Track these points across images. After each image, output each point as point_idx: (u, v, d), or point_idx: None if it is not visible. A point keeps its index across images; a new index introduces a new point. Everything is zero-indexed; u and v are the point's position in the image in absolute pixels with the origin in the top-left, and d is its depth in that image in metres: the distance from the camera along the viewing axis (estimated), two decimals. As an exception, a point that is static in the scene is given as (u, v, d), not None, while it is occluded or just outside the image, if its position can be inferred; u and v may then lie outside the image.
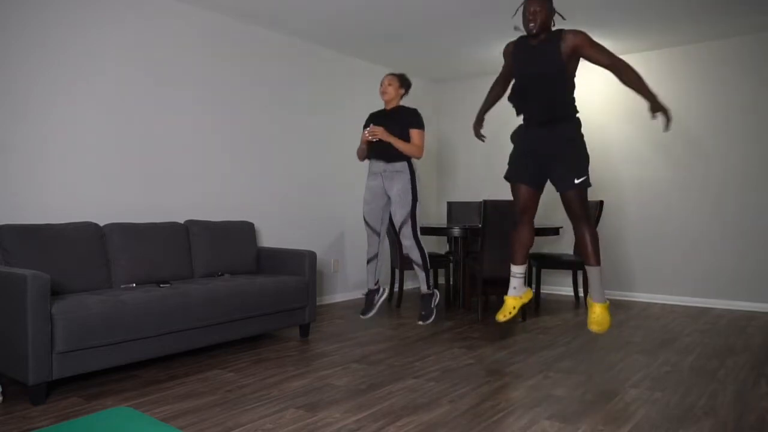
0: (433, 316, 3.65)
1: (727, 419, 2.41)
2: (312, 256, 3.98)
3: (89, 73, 3.63)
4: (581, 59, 2.99)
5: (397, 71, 3.99)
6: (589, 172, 3.02)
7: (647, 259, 5.46)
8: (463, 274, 4.98)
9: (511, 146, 3.26)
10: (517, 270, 3.30)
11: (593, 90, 5.66)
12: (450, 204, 6.07)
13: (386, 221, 3.94)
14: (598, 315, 3.04)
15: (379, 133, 3.71)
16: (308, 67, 5.18)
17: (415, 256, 3.76)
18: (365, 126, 3.97)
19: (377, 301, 4.00)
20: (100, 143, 3.69)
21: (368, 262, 3.99)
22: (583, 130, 3.06)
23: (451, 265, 5.29)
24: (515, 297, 3.34)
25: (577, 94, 3.08)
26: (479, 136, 3.47)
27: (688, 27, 4.78)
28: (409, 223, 3.73)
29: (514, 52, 3.14)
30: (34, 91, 3.39)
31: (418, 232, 3.78)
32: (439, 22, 4.64)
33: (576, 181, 2.97)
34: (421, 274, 3.78)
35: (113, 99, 3.76)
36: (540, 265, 5.15)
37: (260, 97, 4.75)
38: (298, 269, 3.95)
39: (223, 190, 4.44)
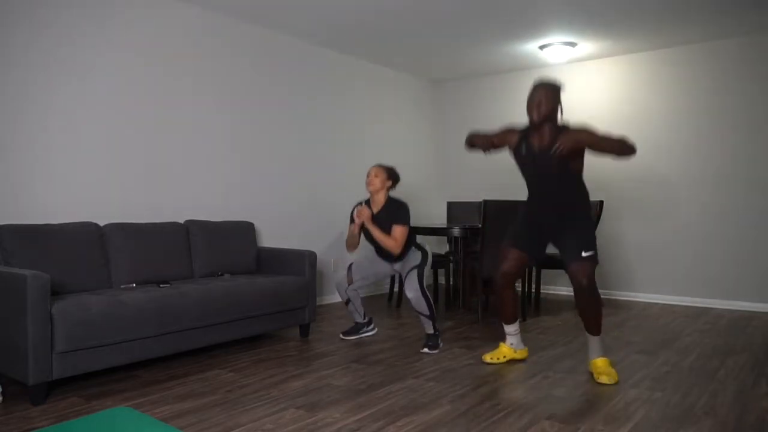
0: (438, 350, 3.58)
1: (727, 419, 2.41)
2: (312, 256, 3.98)
3: (89, 73, 3.63)
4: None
5: (386, 164, 3.80)
6: (596, 247, 3.02)
7: (647, 259, 5.46)
8: (463, 274, 4.98)
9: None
10: (510, 329, 3.29)
11: (594, 89, 5.66)
12: (450, 204, 6.06)
13: (364, 282, 3.81)
14: (603, 367, 2.96)
15: (365, 215, 3.57)
16: (308, 68, 5.18)
17: (422, 308, 3.55)
18: (351, 217, 3.77)
19: (363, 333, 3.91)
20: (100, 143, 3.69)
21: (345, 304, 3.85)
22: (590, 204, 3.11)
23: (451, 265, 5.29)
24: (511, 349, 3.31)
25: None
26: (475, 147, 3.33)
27: (688, 27, 4.78)
28: (415, 273, 3.56)
29: (517, 143, 3.06)
30: (34, 91, 3.38)
31: (424, 284, 3.58)
32: (439, 22, 4.64)
33: (583, 254, 2.94)
34: (428, 323, 3.59)
35: (113, 99, 3.76)
36: (540, 265, 5.15)
37: (260, 97, 4.75)
38: (298, 269, 3.95)
39: (223, 190, 4.44)
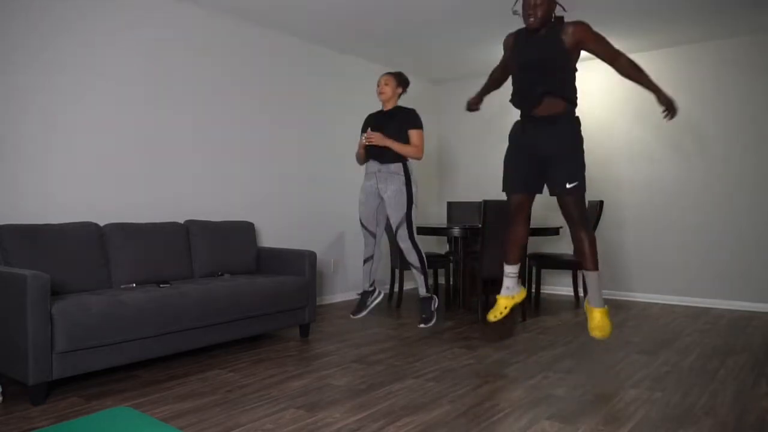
0: (434, 320, 3.61)
1: (727, 419, 2.41)
2: (312, 256, 3.98)
3: (89, 73, 3.63)
4: (582, 52, 2.93)
5: (394, 70, 3.91)
6: (585, 177, 2.93)
7: (647, 259, 5.46)
8: (463, 274, 4.98)
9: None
10: (511, 270, 3.22)
11: (594, 88, 5.65)
12: (450, 204, 6.06)
13: (382, 222, 3.87)
14: (598, 321, 2.97)
15: (376, 138, 3.62)
16: (308, 67, 5.18)
17: (413, 258, 3.69)
18: (363, 128, 3.91)
19: (370, 303, 3.92)
20: (100, 143, 3.69)
21: (364, 262, 3.94)
22: (582, 131, 2.98)
23: (451, 265, 5.29)
24: (508, 297, 3.26)
25: (577, 92, 3.02)
26: (473, 108, 3.41)
27: (689, 26, 4.78)
28: (405, 225, 3.66)
29: (514, 42, 3.05)
30: (34, 91, 3.38)
31: (415, 234, 3.68)
32: (439, 22, 4.64)
33: (567, 186, 2.88)
34: (420, 278, 3.71)
35: (113, 99, 3.76)
36: (540, 265, 5.15)
37: (260, 97, 4.75)
38: (298, 269, 3.95)
39: (223, 190, 4.44)
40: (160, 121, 4.03)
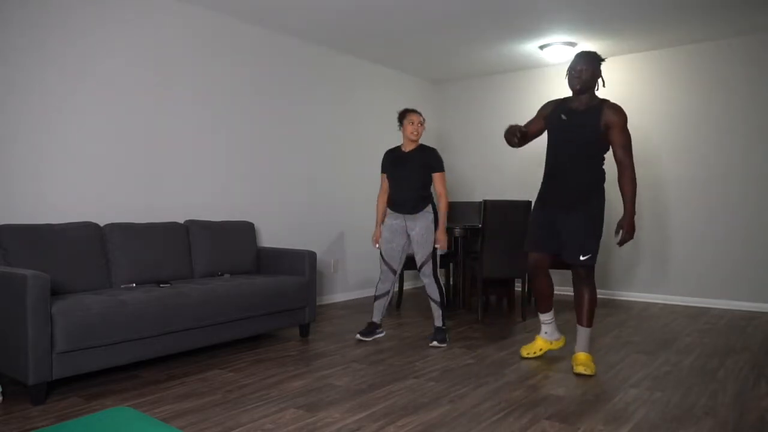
0: (447, 344, 3.65)
1: (727, 419, 2.41)
2: (312, 256, 3.98)
3: (89, 73, 3.63)
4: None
5: (420, 110, 3.87)
6: (598, 246, 3.11)
7: (647, 259, 5.46)
8: (463, 274, 4.98)
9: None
10: (544, 317, 3.38)
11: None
12: (450, 204, 6.05)
13: (403, 260, 3.88)
14: (583, 358, 3.09)
15: (441, 245, 3.74)
16: (309, 68, 5.18)
17: (433, 293, 3.73)
18: (383, 168, 3.85)
19: (377, 334, 3.92)
20: (100, 143, 3.69)
21: (377, 298, 3.86)
22: (605, 202, 3.18)
23: (451, 265, 5.29)
24: (546, 340, 3.39)
25: (604, 173, 3.18)
26: (516, 140, 3.16)
27: (688, 27, 4.78)
28: (430, 262, 3.72)
29: (551, 113, 3.19)
30: (34, 91, 3.38)
31: (438, 271, 3.76)
32: (439, 22, 4.64)
33: (581, 258, 3.07)
34: (437, 311, 3.73)
35: (113, 99, 3.76)
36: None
37: (261, 97, 4.75)
38: (298, 269, 3.95)
39: (223, 190, 4.44)
40: (161, 121, 4.03)
